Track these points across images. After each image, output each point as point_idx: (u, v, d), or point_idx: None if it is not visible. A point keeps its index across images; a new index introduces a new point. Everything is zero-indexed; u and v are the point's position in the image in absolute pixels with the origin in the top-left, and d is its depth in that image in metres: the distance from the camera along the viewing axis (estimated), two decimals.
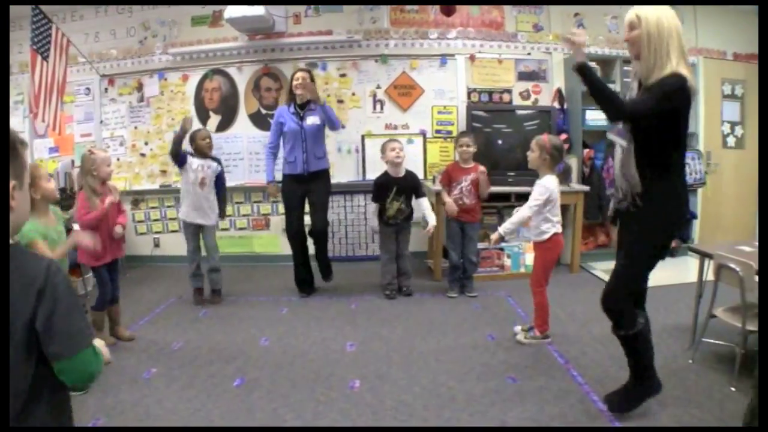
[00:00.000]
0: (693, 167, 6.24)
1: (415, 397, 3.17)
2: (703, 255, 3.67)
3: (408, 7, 6.34)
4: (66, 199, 5.50)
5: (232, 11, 5.66)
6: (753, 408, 1.96)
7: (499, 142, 5.99)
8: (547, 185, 3.80)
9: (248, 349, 3.96)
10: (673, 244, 2.85)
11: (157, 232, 6.77)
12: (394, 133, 6.27)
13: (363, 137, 6.42)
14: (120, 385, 3.35)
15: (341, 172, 6.24)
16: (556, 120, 6.05)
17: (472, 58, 6.37)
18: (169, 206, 6.65)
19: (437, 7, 5.98)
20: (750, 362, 2.95)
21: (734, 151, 6.81)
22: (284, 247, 5.93)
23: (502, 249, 5.66)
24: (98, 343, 1.46)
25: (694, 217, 6.46)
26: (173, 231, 6.65)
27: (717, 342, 3.45)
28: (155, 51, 6.55)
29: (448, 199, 4.98)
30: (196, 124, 6.44)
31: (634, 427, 2.78)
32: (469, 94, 6.38)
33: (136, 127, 6.66)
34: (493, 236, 4.07)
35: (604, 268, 5.73)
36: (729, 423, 2.74)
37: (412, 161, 6.03)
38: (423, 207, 5.03)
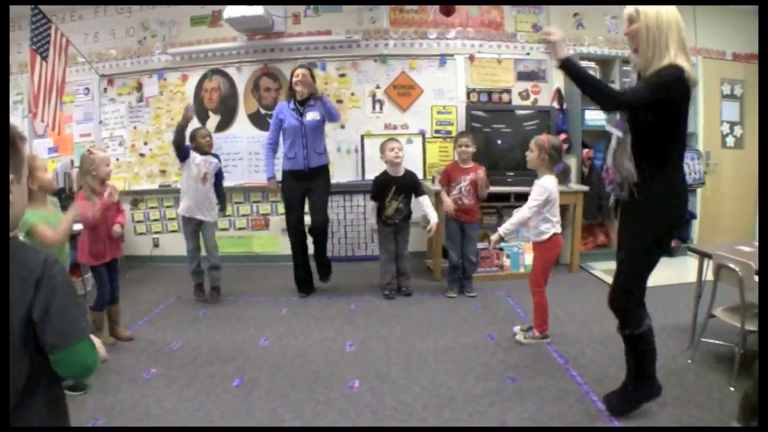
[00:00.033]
0: (692, 167, 6.25)
1: (415, 397, 3.17)
2: (703, 255, 3.67)
3: (407, 7, 6.34)
4: (65, 199, 5.49)
5: (231, 11, 5.66)
6: (753, 405, 1.96)
7: (499, 142, 5.99)
8: (546, 185, 3.80)
9: (248, 349, 3.96)
10: (673, 244, 2.84)
11: (156, 232, 6.76)
12: (394, 133, 6.26)
13: (362, 137, 6.42)
14: (119, 386, 3.35)
15: (340, 172, 6.24)
16: (555, 120, 6.05)
17: (471, 58, 6.37)
18: (168, 206, 6.64)
19: (436, 7, 5.98)
20: (749, 362, 2.96)
21: (733, 151, 6.81)
22: (283, 247, 5.93)
23: (501, 249, 5.66)
24: (95, 340, 1.46)
25: (694, 217, 6.46)
26: (172, 231, 6.65)
27: (716, 342, 3.45)
28: (154, 51, 6.55)
29: (446, 198, 4.98)
30: (195, 124, 6.47)
31: (633, 427, 2.78)
32: (468, 94, 6.39)
33: (135, 127, 6.66)
34: (493, 237, 4.07)
35: (603, 268, 5.74)
36: (728, 423, 2.73)
37: (412, 161, 6.04)
38: (424, 205, 5.04)
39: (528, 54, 6.42)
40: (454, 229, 5.06)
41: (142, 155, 6.66)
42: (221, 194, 5.21)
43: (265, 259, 6.59)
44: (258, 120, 6.50)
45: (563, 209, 5.52)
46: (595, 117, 6.00)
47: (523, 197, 4.22)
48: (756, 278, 3.00)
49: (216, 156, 5.13)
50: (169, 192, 6.56)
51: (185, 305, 5.06)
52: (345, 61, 6.39)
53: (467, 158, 5.02)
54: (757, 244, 3.63)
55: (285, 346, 4.02)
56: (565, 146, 5.93)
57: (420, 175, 6.20)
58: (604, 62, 6.30)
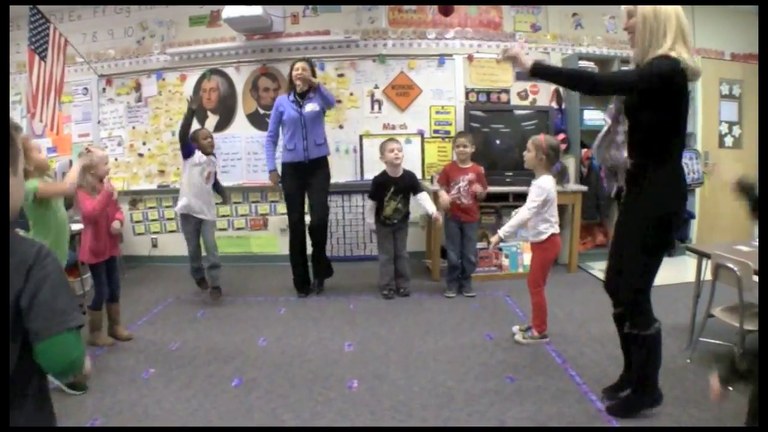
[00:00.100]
0: (691, 167, 6.26)
1: (414, 397, 3.17)
2: (701, 255, 3.67)
3: (406, 7, 6.34)
4: (65, 199, 5.48)
5: (229, 11, 5.67)
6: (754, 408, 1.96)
7: (497, 142, 5.99)
8: (544, 186, 3.80)
9: (246, 350, 3.95)
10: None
11: (155, 232, 6.76)
12: (392, 133, 6.27)
13: (361, 137, 6.43)
14: (118, 386, 3.35)
15: (339, 172, 6.22)
16: (554, 120, 6.05)
17: (470, 58, 6.37)
18: (167, 206, 6.64)
19: (435, 7, 5.97)
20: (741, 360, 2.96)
21: (732, 151, 6.82)
22: (282, 247, 5.94)
23: (500, 249, 5.67)
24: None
25: (692, 216, 6.47)
26: (171, 231, 6.65)
27: (715, 342, 3.45)
28: (153, 51, 6.55)
29: (444, 194, 4.98)
30: (196, 126, 6.46)
31: (632, 426, 2.78)
32: (467, 94, 6.39)
33: (134, 127, 6.66)
34: (493, 239, 4.07)
35: (602, 268, 5.67)
36: (727, 422, 2.74)
37: (410, 161, 6.04)
38: (422, 200, 5.03)
39: (527, 54, 6.38)
40: (453, 229, 5.07)
41: (140, 155, 6.65)
42: (221, 188, 5.27)
43: (263, 259, 6.59)
44: (257, 120, 6.50)
45: (562, 209, 5.52)
46: (594, 117, 6.01)
47: (521, 197, 4.22)
48: (755, 278, 3.00)
49: (213, 154, 5.16)
50: (167, 192, 6.55)
51: (184, 305, 5.06)
52: (344, 61, 6.39)
53: (466, 158, 5.02)
54: (756, 243, 3.63)
55: (284, 346, 4.02)
56: (563, 146, 5.93)
57: (419, 175, 6.21)
58: (603, 62, 6.31)
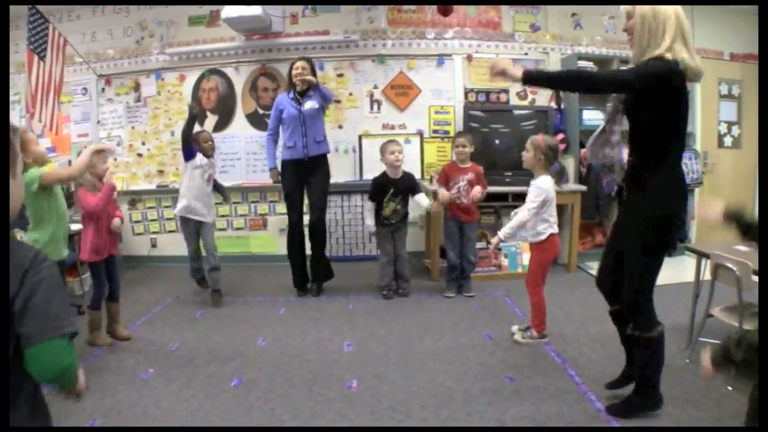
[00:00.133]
0: (690, 167, 6.26)
1: (413, 397, 3.17)
2: (700, 255, 3.68)
3: (405, 7, 6.34)
4: (66, 198, 5.49)
5: (229, 11, 5.66)
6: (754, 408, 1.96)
7: (497, 142, 5.99)
8: (543, 186, 3.80)
9: (246, 350, 3.95)
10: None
11: (154, 232, 6.76)
12: (392, 133, 6.27)
13: (360, 137, 6.42)
14: (117, 386, 3.35)
15: (338, 172, 6.20)
16: (553, 120, 6.05)
17: (469, 58, 6.37)
18: (166, 206, 6.64)
19: (434, 7, 5.96)
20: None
21: (731, 151, 6.82)
22: (281, 247, 5.94)
23: (499, 249, 5.67)
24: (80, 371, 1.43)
25: (691, 216, 6.47)
26: (170, 231, 6.64)
27: (714, 341, 3.44)
28: (152, 51, 6.54)
29: (443, 190, 4.98)
30: (195, 126, 6.44)
31: (631, 426, 2.78)
32: (466, 94, 6.39)
33: (133, 127, 6.66)
34: (493, 240, 4.08)
35: None
36: (726, 422, 2.74)
37: (409, 161, 6.04)
38: (418, 198, 5.06)
39: (526, 54, 6.41)
40: (453, 229, 5.07)
41: (140, 155, 6.65)
42: (221, 188, 5.28)
43: (263, 259, 6.59)
44: (256, 120, 6.50)
45: (561, 209, 5.52)
46: (593, 117, 6.01)
47: (521, 197, 4.22)
48: (754, 278, 3.00)
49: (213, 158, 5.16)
50: (167, 192, 6.55)
51: (183, 305, 5.06)
52: (343, 61, 6.39)
53: (465, 158, 5.02)
54: (755, 243, 3.63)
55: (283, 346, 4.02)
56: (562, 146, 5.95)
57: (418, 175, 6.21)
58: (602, 62, 6.30)
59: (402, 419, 2.94)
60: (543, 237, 3.88)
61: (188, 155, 4.85)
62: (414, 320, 4.51)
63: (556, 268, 5.71)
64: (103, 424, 2.91)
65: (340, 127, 6.41)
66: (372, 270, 5.54)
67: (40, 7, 5.33)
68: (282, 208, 5.96)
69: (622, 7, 2.66)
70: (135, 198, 6.68)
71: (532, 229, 3.90)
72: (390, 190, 5.00)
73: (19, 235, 3.60)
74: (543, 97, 6.42)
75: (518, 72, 2.67)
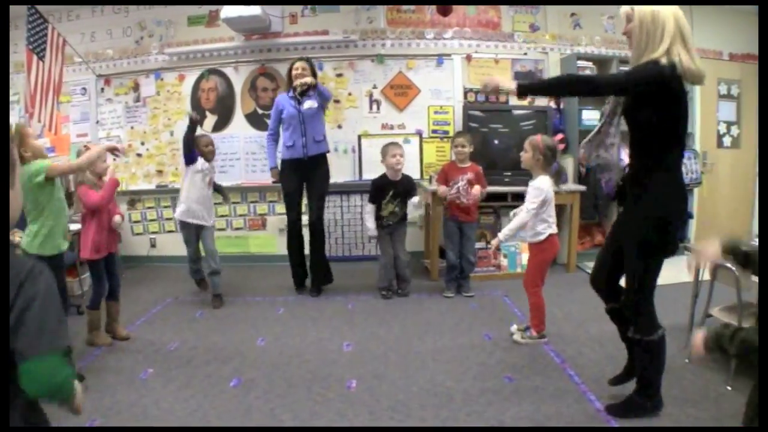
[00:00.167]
0: (689, 167, 6.26)
1: (412, 397, 3.17)
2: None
3: (404, 7, 6.34)
4: (66, 198, 5.49)
5: (228, 11, 5.66)
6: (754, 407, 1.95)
7: (496, 142, 5.99)
8: (541, 186, 3.80)
9: (245, 350, 3.95)
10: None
11: (153, 233, 6.76)
12: (391, 133, 6.28)
13: (359, 137, 6.42)
14: (116, 386, 3.35)
15: (338, 172, 6.19)
16: (552, 120, 6.05)
17: (468, 58, 6.37)
18: (165, 206, 6.64)
19: (434, 7, 5.96)
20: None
21: (730, 151, 6.83)
22: (280, 247, 5.94)
23: (498, 249, 5.66)
24: (77, 387, 1.42)
25: (690, 216, 6.47)
26: (170, 231, 6.64)
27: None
28: (151, 51, 6.54)
29: (442, 187, 4.99)
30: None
31: (630, 426, 2.79)
32: (465, 93, 6.38)
33: (132, 127, 6.65)
34: (494, 242, 4.08)
35: None
36: (725, 422, 2.74)
37: (409, 161, 6.01)
38: (412, 201, 5.08)
39: (525, 54, 6.42)
40: (452, 229, 5.07)
41: (139, 155, 6.64)
42: (221, 188, 5.29)
43: (262, 259, 6.59)
44: (255, 120, 6.50)
45: (560, 209, 5.53)
46: (593, 117, 6.00)
47: (520, 197, 4.22)
48: (753, 278, 3.00)
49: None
50: (166, 192, 6.56)
51: (182, 305, 5.05)
52: (342, 61, 6.39)
53: (464, 158, 5.02)
54: (754, 243, 3.63)
55: (282, 346, 4.02)
56: (562, 146, 5.93)
57: (417, 175, 6.23)
58: (602, 62, 6.31)
59: (401, 419, 2.94)
60: (542, 237, 3.88)
61: (189, 160, 4.85)
62: (413, 320, 4.51)
63: (556, 268, 5.72)
64: (102, 424, 2.91)
65: (340, 127, 6.41)
66: (371, 270, 5.54)
67: (40, 7, 5.32)
68: (281, 208, 5.96)
69: (621, 10, 2.66)
70: (134, 198, 6.67)
71: (531, 229, 3.90)
72: (389, 192, 5.00)
73: (18, 234, 3.61)
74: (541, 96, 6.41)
75: (511, 85, 2.69)
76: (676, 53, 2.44)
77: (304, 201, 5.23)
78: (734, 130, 6.83)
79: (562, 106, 6.29)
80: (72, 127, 6.69)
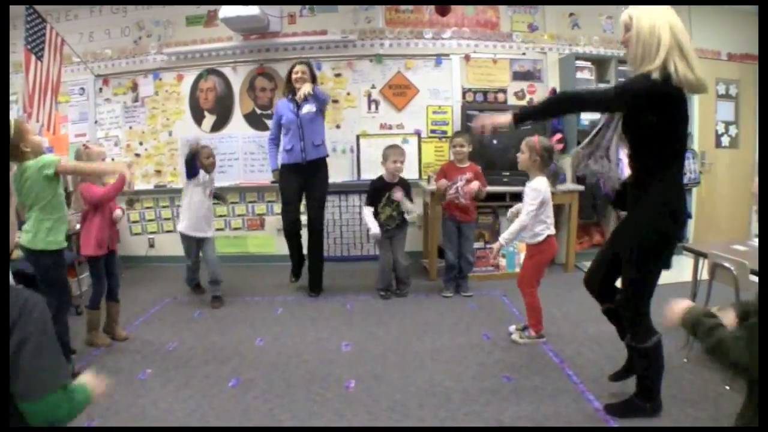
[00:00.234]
0: (687, 167, 6.26)
1: (411, 397, 3.18)
2: (698, 254, 3.68)
3: (403, 7, 6.33)
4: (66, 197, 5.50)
5: (226, 11, 5.66)
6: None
7: (494, 142, 5.98)
8: (539, 188, 3.80)
9: (243, 350, 3.95)
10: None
11: (152, 233, 6.75)
12: (389, 133, 6.29)
13: (358, 137, 6.42)
14: (115, 386, 3.33)
15: (336, 172, 6.18)
16: (551, 120, 6.04)
17: (467, 58, 6.37)
18: (164, 206, 6.64)
19: (432, 7, 5.96)
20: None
21: (728, 151, 6.83)
22: (279, 247, 5.94)
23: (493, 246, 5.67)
24: (88, 379, 1.42)
25: (689, 216, 6.48)
26: (168, 231, 6.64)
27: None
28: (150, 51, 6.53)
29: (441, 180, 4.99)
30: (192, 126, 6.49)
31: (629, 426, 2.79)
32: (464, 93, 6.38)
33: (131, 127, 6.65)
34: (495, 246, 4.08)
35: None
36: (724, 422, 2.74)
37: (408, 161, 5.99)
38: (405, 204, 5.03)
39: (524, 54, 6.42)
40: (451, 229, 5.07)
41: (137, 155, 6.64)
42: (219, 194, 5.31)
43: (260, 259, 6.59)
44: (254, 120, 6.50)
45: (559, 209, 5.54)
46: (591, 117, 6.00)
47: (518, 197, 4.22)
48: (751, 277, 3.01)
49: None
50: (164, 192, 6.56)
51: (181, 306, 5.05)
52: (340, 61, 6.39)
53: (463, 158, 5.02)
54: (752, 243, 3.64)
55: (281, 346, 4.02)
56: (560, 146, 5.94)
57: (415, 175, 6.24)
58: (600, 62, 6.32)
59: (400, 419, 2.94)
60: (541, 238, 3.87)
61: (191, 174, 4.86)
62: (412, 320, 4.51)
63: (554, 268, 5.72)
64: (100, 424, 2.91)
65: (338, 127, 6.41)
66: (370, 270, 5.54)
67: (38, 7, 5.31)
68: (279, 208, 5.95)
69: (621, 19, 2.65)
70: (133, 198, 6.66)
71: (530, 230, 3.89)
72: (386, 194, 4.99)
73: (17, 235, 3.60)
74: (541, 97, 6.41)
75: (507, 118, 2.70)
76: (672, 64, 2.42)
77: (303, 202, 5.22)
78: (732, 130, 6.84)
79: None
80: (70, 127, 6.69)
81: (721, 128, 6.80)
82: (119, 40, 6.58)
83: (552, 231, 3.91)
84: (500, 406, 3.04)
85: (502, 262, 5.76)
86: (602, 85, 6.17)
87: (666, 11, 2.52)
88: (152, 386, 3.38)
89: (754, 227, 6.08)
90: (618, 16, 2.71)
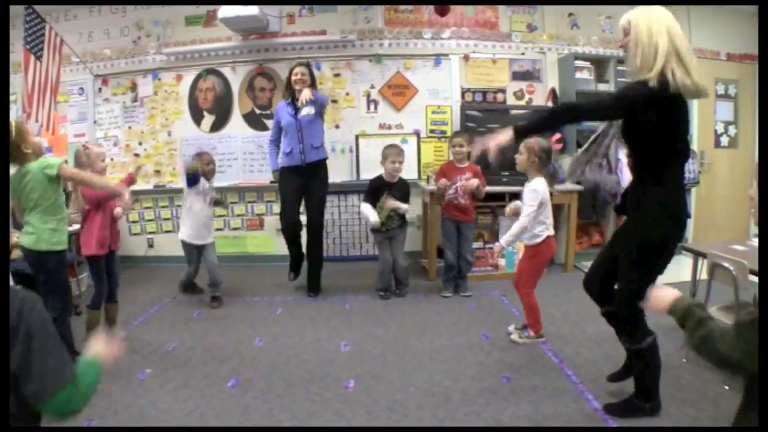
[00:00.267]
0: (687, 166, 6.25)
1: (410, 397, 3.17)
2: (697, 254, 3.68)
3: (402, 6, 6.34)
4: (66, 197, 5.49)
5: (225, 11, 5.66)
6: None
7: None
8: (538, 189, 3.79)
9: (243, 350, 3.95)
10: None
11: (151, 233, 6.75)
12: (388, 133, 6.29)
13: (357, 137, 6.42)
14: (114, 386, 3.33)
15: (335, 172, 6.15)
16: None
17: (466, 57, 6.37)
18: (163, 206, 6.64)
19: (431, 6, 5.96)
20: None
21: (727, 151, 6.84)
22: (278, 247, 5.94)
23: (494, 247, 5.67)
24: (94, 349, 1.43)
25: (688, 216, 6.48)
26: (167, 231, 6.64)
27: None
28: (149, 51, 6.53)
29: (442, 180, 4.98)
30: (192, 126, 6.48)
31: (628, 426, 2.79)
32: (463, 93, 6.38)
33: (130, 127, 6.65)
34: (496, 248, 4.08)
35: None
36: (723, 422, 2.74)
37: (407, 161, 6.00)
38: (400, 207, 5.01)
39: (523, 54, 6.42)
40: (450, 229, 5.07)
41: (136, 155, 6.63)
42: (219, 201, 5.30)
43: (260, 259, 6.59)
44: (253, 120, 6.49)
45: (558, 209, 5.54)
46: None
47: (517, 197, 4.21)
48: (750, 277, 3.01)
49: None
50: (164, 192, 6.55)
51: (180, 306, 5.05)
52: (340, 61, 6.39)
53: (462, 158, 5.02)
54: (751, 243, 3.65)
55: (280, 346, 4.02)
56: (559, 146, 5.95)
57: (415, 175, 6.23)
58: (599, 62, 6.32)
59: (399, 419, 2.94)
60: (540, 239, 3.87)
61: (192, 182, 4.86)
62: (411, 320, 4.51)
63: (553, 268, 5.73)
64: (99, 424, 2.91)
65: (337, 127, 6.41)
66: (369, 270, 5.54)
67: (37, 7, 5.31)
68: (279, 208, 5.95)
69: (620, 23, 2.65)
70: (131, 198, 6.63)
71: (529, 231, 3.89)
72: (385, 193, 4.98)
73: (15, 235, 3.60)
74: (540, 96, 6.43)
75: (507, 134, 2.71)
76: (669, 71, 2.42)
77: (303, 206, 5.21)
78: (731, 130, 6.85)
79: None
80: (69, 127, 6.68)
81: (720, 128, 6.80)
82: (118, 40, 6.58)
83: (551, 232, 3.91)
84: (499, 406, 3.04)
85: (501, 262, 5.76)
86: (601, 86, 6.19)
87: (664, 15, 2.51)
88: (151, 386, 3.38)
89: (753, 228, 6.08)
90: (617, 15, 2.72)
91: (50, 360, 1.29)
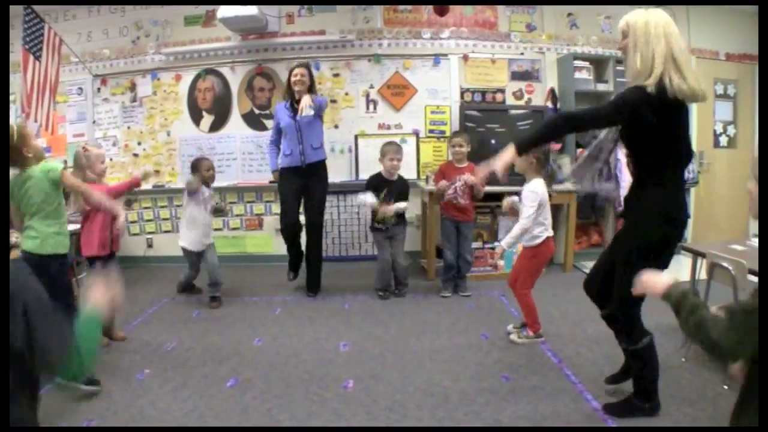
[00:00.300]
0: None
1: (409, 397, 3.17)
2: (696, 254, 3.68)
3: (401, 6, 6.34)
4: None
5: (225, 11, 5.65)
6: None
7: (493, 141, 5.98)
8: (537, 190, 3.79)
9: (242, 350, 3.95)
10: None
11: (150, 233, 6.75)
12: (387, 133, 6.28)
13: (356, 137, 6.42)
14: (113, 386, 3.33)
15: (334, 172, 6.14)
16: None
17: (465, 57, 6.37)
18: (162, 206, 6.64)
19: (430, 6, 5.97)
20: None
21: (727, 151, 6.84)
22: (277, 247, 5.93)
23: (494, 249, 5.67)
24: (90, 302, 1.45)
25: (688, 216, 6.47)
26: (166, 231, 6.64)
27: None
28: (148, 51, 6.53)
29: (442, 182, 4.98)
30: (191, 126, 6.48)
31: (628, 426, 2.79)
32: (462, 93, 6.39)
33: (129, 127, 6.64)
34: (497, 250, 4.08)
35: None
36: (722, 422, 2.73)
37: (406, 161, 6.00)
38: (398, 206, 4.99)
39: (522, 54, 6.43)
40: (450, 229, 5.06)
41: (135, 155, 6.63)
42: (219, 208, 5.29)
43: (259, 259, 6.58)
44: (252, 120, 6.49)
45: (557, 209, 5.54)
46: None
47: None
48: (750, 277, 3.01)
49: None
50: (163, 192, 6.55)
51: (179, 306, 5.05)
52: (339, 61, 6.39)
53: (461, 158, 5.02)
54: (751, 243, 3.65)
55: (279, 346, 4.01)
56: (558, 146, 5.96)
57: (414, 175, 6.23)
58: (598, 62, 6.32)
59: (398, 419, 2.94)
60: (539, 240, 3.87)
61: (192, 191, 4.86)
62: (410, 320, 4.51)
63: (552, 268, 5.73)
64: (99, 424, 2.90)
65: (336, 127, 6.41)
66: (368, 270, 5.54)
67: (36, 7, 5.31)
68: (278, 208, 5.95)
69: (619, 26, 2.65)
70: (131, 198, 6.65)
71: (528, 232, 3.89)
72: (383, 190, 4.98)
73: (15, 235, 3.60)
74: (539, 96, 6.43)
75: (510, 152, 2.71)
76: (666, 76, 2.42)
77: (303, 207, 5.21)
78: (731, 130, 6.85)
79: (558, 106, 6.27)
80: (68, 127, 6.68)
81: (719, 128, 6.81)
82: (117, 40, 6.58)
83: (550, 233, 3.91)
84: (499, 405, 3.04)
85: (501, 262, 5.76)
86: (600, 86, 6.19)
87: (663, 19, 2.51)
88: (150, 386, 3.37)
89: (753, 227, 6.08)
90: (616, 15, 2.73)
91: (50, 333, 1.35)
